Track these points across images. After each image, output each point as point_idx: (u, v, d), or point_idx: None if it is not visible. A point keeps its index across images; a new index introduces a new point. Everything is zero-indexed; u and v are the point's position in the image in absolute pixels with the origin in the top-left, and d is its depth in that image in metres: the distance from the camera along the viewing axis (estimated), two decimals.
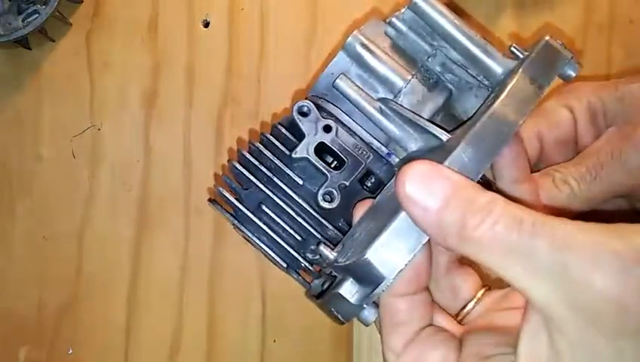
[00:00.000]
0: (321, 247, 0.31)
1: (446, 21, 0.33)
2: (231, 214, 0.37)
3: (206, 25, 0.55)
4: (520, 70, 0.30)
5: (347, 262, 0.29)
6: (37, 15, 0.52)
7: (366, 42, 0.35)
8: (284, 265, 0.36)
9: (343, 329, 0.54)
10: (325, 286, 0.34)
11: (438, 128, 0.31)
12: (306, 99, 0.35)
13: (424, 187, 0.24)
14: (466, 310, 0.33)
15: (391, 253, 0.27)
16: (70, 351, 0.55)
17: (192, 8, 0.55)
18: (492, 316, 0.31)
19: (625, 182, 0.35)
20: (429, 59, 0.34)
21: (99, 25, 0.55)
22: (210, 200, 0.38)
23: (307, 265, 0.36)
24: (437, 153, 0.29)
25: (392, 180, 0.34)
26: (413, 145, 0.33)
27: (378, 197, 0.34)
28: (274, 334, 0.55)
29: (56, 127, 0.55)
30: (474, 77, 0.34)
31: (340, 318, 0.30)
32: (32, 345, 0.55)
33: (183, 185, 0.55)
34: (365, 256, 0.27)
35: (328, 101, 0.35)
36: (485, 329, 0.30)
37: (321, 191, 0.34)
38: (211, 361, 0.55)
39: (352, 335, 0.50)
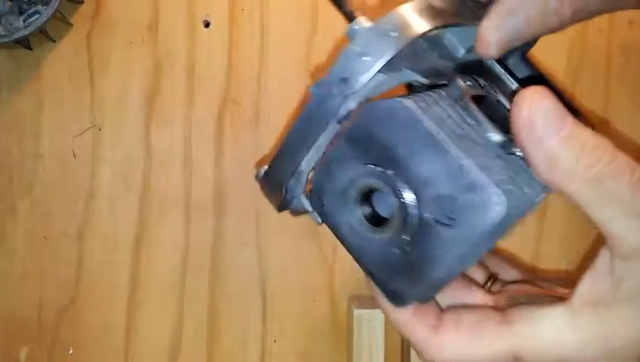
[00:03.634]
0: None
1: None
2: None
3: (206, 25, 0.55)
4: None
5: None
6: (38, 15, 0.52)
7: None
8: None
9: (343, 329, 0.54)
10: None
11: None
12: None
13: (544, 118, 0.24)
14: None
15: None
16: (70, 351, 0.55)
17: (192, 8, 0.55)
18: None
19: None
20: None
21: (99, 25, 0.55)
22: None
23: None
24: None
25: None
26: None
27: None
28: (274, 334, 0.55)
29: (56, 127, 0.55)
30: None
31: None
32: (33, 345, 0.55)
33: (183, 185, 0.55)
34: None
35: None
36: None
37: None
38: (211, 361, 0.55)
39: (352, 335, 0.50)
